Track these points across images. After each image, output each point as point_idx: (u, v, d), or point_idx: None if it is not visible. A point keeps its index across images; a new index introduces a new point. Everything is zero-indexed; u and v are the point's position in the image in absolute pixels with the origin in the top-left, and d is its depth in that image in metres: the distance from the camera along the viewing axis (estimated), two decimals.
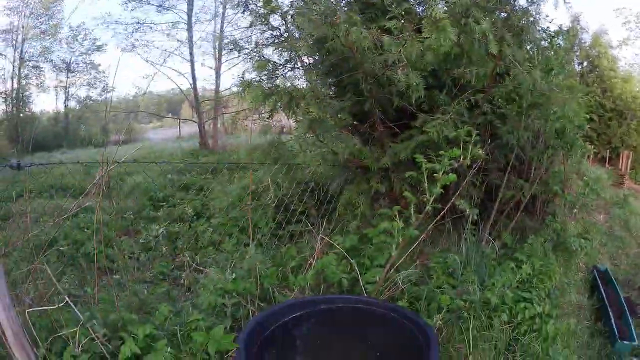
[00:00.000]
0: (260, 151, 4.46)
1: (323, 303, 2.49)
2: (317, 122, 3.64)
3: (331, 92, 3.73)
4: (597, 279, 5.22)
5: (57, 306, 2.39)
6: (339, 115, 3.76)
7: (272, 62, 4.50)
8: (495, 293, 3.51)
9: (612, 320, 4.22)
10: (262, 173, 5.19)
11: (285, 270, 3.34)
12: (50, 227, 4.69)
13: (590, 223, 6.68)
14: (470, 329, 3.20)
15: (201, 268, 3.91)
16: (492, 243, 4.48)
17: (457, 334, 3.23)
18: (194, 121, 16.73)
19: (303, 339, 2.38)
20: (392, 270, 3.26)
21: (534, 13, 4.63)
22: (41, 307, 2.53)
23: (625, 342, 3.94)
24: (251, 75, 4.43)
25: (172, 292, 3.56)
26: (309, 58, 4.66)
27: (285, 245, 4.13)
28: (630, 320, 4.27)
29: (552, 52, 4.82)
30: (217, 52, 16.44)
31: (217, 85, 16.67)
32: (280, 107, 4.04)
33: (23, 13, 21.98)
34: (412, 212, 3.03)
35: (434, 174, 3.08)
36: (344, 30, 3.27)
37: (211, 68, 16.66)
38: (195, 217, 6.50)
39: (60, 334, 2.37)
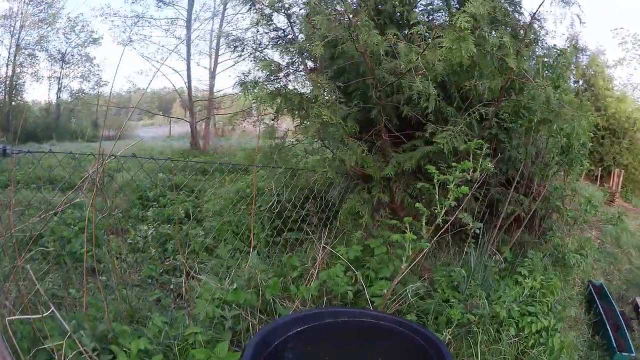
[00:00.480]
0: (262, 154, 4.26)
1: (328, 316, 2.36)
2: (326, 126, 3.48)
3: (340, 97, 3.56)
4: (593, 293, 5.35)
5: (41, 316, 2.17)
6: (346, 121, 3.60)
7: (275, 63, 4.32)
8: (503, 307, 3.49)
9: (610, 334, 4.35)
10: (259, 176, 5.00)
11: (286, 280, 3.17)
12: (36, 222, 4.45)
13: (584, 239, 6.66)
14: (479, 343, 3.18)
15: (196, 275, 3.69)
16: (495, 257, 4.37)
17: (465, 348, 3.20)
18: (186, 120, 16.44)
19: (308, 354, 2.24)
20: (397, 284, 3.12)
21: (537, 29, 4.56)
22: (23, 313, 2.31)
23: (624, 354, 4.09)
24: (254, 75, 4.27)
25: (164, 300, 3.34)
26: (314, 62, 4.51)
27: (283, 253, 3.97)
28: (627, 334, 4.42)
29: (556, 70, 4.75)
30: (213, 52, 16.22)
31: (212, 85, 16.45)
32: (285, 110, 3.89)
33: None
34: (424, 224, 2.91)
35: (446, 186, 3.02)
36: (365, 32, 3.11)
37: (205, 68, 16.44)
38: (186, 219, 6.28)
39: (45, 346, 2.15)
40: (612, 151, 13.61)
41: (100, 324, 2.47)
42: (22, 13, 21.06)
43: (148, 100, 26.33)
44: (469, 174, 3.13)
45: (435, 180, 2.99)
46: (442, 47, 3.06)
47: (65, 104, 23.23)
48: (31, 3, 21.38)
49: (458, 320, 3.18)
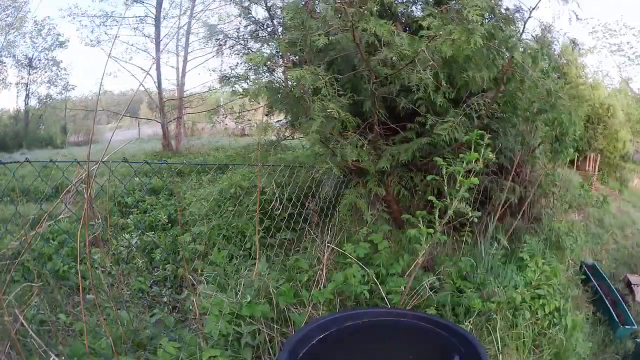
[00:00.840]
0: (254, 151, 4.06)
1: (349, 319, 2.24)
2: (330, 121, 3.32)
3: (339, 90, 3.41)
4: (588, 273, 5.62)
5: None
6: (343, 114, 3.46)
7: (266, 56, 4.15)
8: (517, 292, 3.56)
9: (611, 309, 4.66)
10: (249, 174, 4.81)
11: (295, 285, 3.01)
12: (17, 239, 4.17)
13: (571, 222, 6.76)
14: (498, 329, 3.23)
15: (194, 284, 3.49)
16: (497, 245, 4.34)
17: (485, 335, 3.22)
18: (157, 121, 15.93)
19: None
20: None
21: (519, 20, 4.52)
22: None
23: (627, 327, 4.44)
24: (239, 69, 4.08)
25: (167, 320, 3.12)
26: (299, 55, 4.35)
27: (281, 254, 3.81)
28: (626, 307, 4.76)
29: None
30: (182, 50, 15.75)
31: (181, 84, 15.98)
32: (279, 104, 3.73)
33: None
34: (437, 217, 2.82)
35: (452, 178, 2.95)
36: (374, 21, 2.97)
37: (173, 67, 15.97)
38: (169, 224, 6.03)
39: None
40: (587, 136, 13.90)
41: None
42: None
43: (115, 102, 25.53)
44: (476, 164, 3.05)
45: (444, 172, 2.90)
46: (453, 38, 2.96)
47: (33, 111, 22.29)
48: None
49: (479, 310, 3.18)
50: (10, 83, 21.59)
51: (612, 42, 20.13)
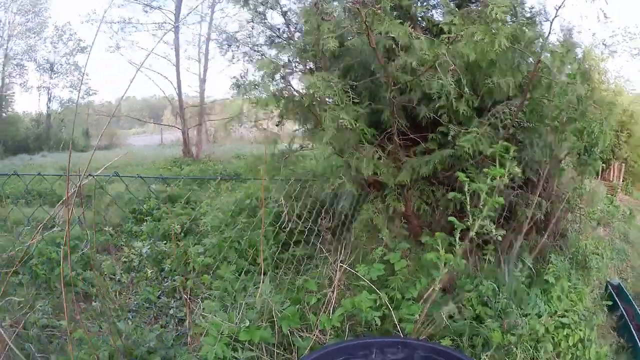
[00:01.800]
0: (264, 163, 3.84)
1: (360, 349, 2.05)
2: (343, 132, 3.10)
3: (354, 97, 3.19)
4: (613, 294, 5.12)
5: None
6: (358, 124, 3.23)
7: (274, 63, 3.95)
8: (541, 322, 3.22)
9: (636, 337, 4.18)
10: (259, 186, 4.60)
11: (302, 307, 2.78)
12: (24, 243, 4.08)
13: (597, 238, 6.39)
14: None
15: (199, 300, 3.30)
16: (521, 265, 4.03)
17: None
18: (177, 128, 15.96)
19: None
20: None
21: (540, 23, 4.23)
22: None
23: None
24: (252, 77, 3.89)
25: (165, 335, 2.93)
26: (315, 61, 4.14)
27: (291, 271, 3.59)
28: None
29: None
30: (202, 57, 15.74)
31: (202, 91, 15.96)
32: (289, 114, 3.52)
33: (10, 9, 21.11)
34: (457, 239, 2.56)
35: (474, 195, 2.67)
36: (388, 22, 2.75)
37: (195, 74, 15.96)
38: (183, 234, 5.87)
39: None
40: (610, 144, 13.39)
41: None
42: (9, 22, 20.73)
43: (138, 107, 25.84)
44: (501, 180, 2.78)
45: (467, 189, 2.63)
46: (475, 40, 2.71)
47: (55, 114, 22.74)
48: (18, 13, 21.06)
49: (498, 343, 2.88)
50: (32, 87, 22.15)
51: (633, 46, 19.50)
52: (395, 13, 3.03)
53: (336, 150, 3.24)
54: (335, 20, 3.14)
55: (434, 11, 4.48)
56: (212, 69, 15.76)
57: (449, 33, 2.85)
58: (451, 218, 2.59)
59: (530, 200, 4.59)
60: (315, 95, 3.05)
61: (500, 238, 4.02)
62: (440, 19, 4.19)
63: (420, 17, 4.41)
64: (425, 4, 4.30)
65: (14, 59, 21.36)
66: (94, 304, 3.99)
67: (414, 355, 2.04)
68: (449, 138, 3.58)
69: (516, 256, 4.08)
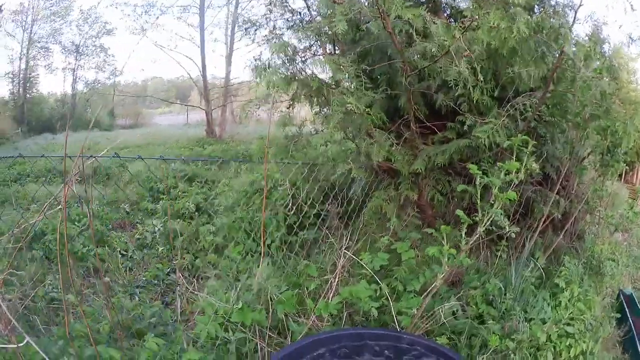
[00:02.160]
0: (276, 146, 3.79)
1: (349, 339, 1.97)
2: (350, 116, 3.01)
3: (367, 82, 3.08)
4: (624, 304, 4.74)
5: (16, 346, 1.79)
6: (371, 109, 3.13)
7: (291, 46, 3.87)
8: (543, 329, 3.03)
9: None
10: (275, 168, 4.56)
11: (301, 292, 2.73)
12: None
13: (614, 243, 6.16)
14: None
15: (203, 278, 3.29)
16: (532, 265, 3.89)
17: None
18: (201, 108, 16.06)
19: None
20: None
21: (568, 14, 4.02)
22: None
23: None
24: (269, 60, 3.82)
25: (165, 314, 2.93)
26: (334, 44, 4.05)
27: (298, 255, 3.54)
28: None
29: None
30: (228, 39, 15.73)
31: (228, 72, 15.98)
32: (302, 96, 3.45)
33: None
34: (464, 234, 2.46)
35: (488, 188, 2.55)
36: (399, 5, 2.63)
37: (222, 55, 15.99)
38: (196, 213, 5.89)
39: None
40: (636, 147, 12.83)
41: (87, 348, 2.08)
42: (33, 7, 21.15)
43: (165, 88, 26.09)
44: (515, 175, 2.64)
45: (478, 183, 2.51)
46: (490, 25, 2.58)
47: (80, 95, 23.19)
48: None
49: (496, 346, 2.76)
50: (57, 68, 22.61)
51: None
52: None
53: (347, 135, 3.15)
54: (348, 2, 3.02)
55: None
56: (240, 50, 15.73)
57: (464, 16, 2.73)
58: (459, 212, 2.49)
59: (548, 198, 4.43)
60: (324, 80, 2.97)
61: (513, 235, 3.92)
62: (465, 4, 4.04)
63: (445, 3, 4.27)
64: None
65: (39, 42, 21.86)
66: (105, 279, 4.04)
67: (403, 349, 1.97)
68: (466, 128, 3.46)
69: (528, 255, 3.94)
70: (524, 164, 2.74)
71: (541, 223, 4.35)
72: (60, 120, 21.02)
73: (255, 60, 3.66)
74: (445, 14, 4.31)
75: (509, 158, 2.65)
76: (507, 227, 3.65)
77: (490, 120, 3.28)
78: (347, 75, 2.92)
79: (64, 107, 22.78)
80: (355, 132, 3.30)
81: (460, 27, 2.72)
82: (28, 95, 22.22)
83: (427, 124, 3.75)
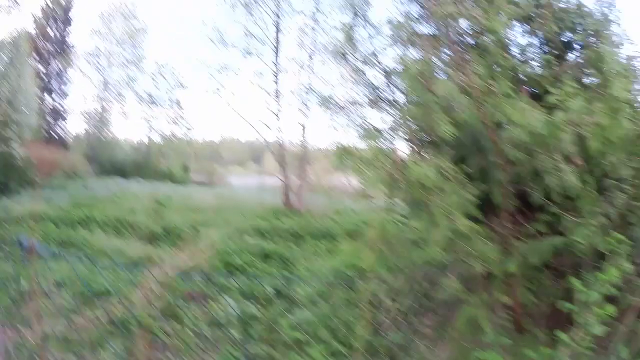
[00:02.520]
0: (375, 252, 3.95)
1: None
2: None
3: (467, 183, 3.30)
4: None
5: None
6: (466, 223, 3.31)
7: (378, 131, 4.20)
8: None
9: None
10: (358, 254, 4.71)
11: None
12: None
13: None
14: None
15: None
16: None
17: None
18: (279, 178, 16.66)
19: None
20: None
21: None
22: None
23: None
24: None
25: None
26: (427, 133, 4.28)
27: None
28: None
29: None
30: (303, 106, 16.44)
31: (305, 139, 16.77)
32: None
33: (109, 39, 25.16)
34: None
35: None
36: (511, 105, 2.87)
37: (299, 124, 16.71)
38: (276, 296, 6.09)
39: None
40: None
41: None
42: (109, 52, 24.84)
43: (240, 149, 27.84)
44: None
45: (582, 300, 2.60)
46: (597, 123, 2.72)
47: (155, 145, 25.67)
48: (116, 43, 25.09)
49: None
50: (129, 115, 25.96)
51: None
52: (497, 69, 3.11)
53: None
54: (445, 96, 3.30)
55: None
56: (313, 117, 16.42)
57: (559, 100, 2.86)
58: (560, 334, 2.56)
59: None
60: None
61: None
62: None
63: (523, 74, 4.41)
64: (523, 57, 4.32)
65: (114, 86, 25.21)
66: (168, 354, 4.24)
67: None
68: (559, 228, 3.51)
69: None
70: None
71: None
72: (132, 167, 23.40)
73: (337, 145, 4.00)
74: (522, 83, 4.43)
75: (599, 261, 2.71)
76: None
77: (589, 220, 3.31)
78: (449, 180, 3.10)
79: (137, 154, 25.36)
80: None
81: (564, 123, 2.87)
82: (102, 137, 25.05)
83: (521, 221, 3.84)
